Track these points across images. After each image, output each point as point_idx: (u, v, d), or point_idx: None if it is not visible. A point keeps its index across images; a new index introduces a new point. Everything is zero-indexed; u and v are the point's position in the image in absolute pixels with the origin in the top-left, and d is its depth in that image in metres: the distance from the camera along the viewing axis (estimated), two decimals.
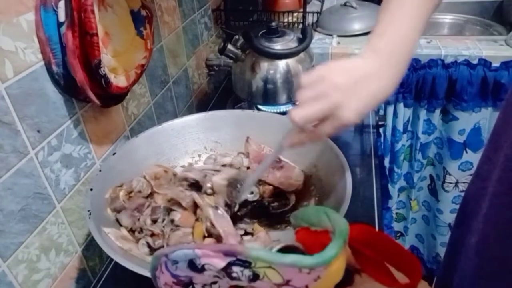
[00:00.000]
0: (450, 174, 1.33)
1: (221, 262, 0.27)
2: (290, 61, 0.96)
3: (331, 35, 1.32)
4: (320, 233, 0.30)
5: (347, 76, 0.46)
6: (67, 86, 0.61)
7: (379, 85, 0.47)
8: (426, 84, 1.18)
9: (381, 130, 1.28)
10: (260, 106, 1.02)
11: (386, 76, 0.47)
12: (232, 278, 0.28)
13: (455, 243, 0.56)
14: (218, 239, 0.56)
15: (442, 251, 1.46)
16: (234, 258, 0.27)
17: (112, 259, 0.63)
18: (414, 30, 0.49)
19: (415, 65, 1.16)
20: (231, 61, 1.01)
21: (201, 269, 0.28)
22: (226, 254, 0.27)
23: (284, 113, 1.00)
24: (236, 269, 0.27)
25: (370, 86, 0.47)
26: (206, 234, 0.57)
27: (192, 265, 0.28)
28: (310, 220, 0.30)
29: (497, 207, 0.43)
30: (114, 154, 0.66)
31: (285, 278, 0.27)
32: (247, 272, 0.27)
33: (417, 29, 0.49)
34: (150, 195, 0.66)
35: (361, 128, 1.01)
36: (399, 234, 1.57)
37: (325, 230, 0.29)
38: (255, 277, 0.27)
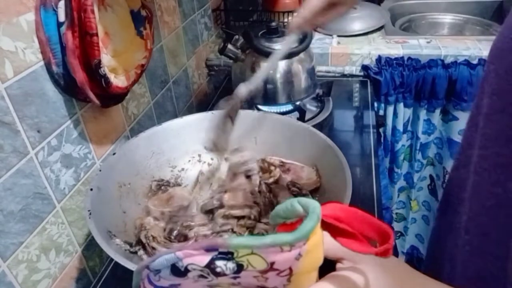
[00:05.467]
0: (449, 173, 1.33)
1: (204, 259, 0.27)
2: (290, 61, 0.96)
3: (331, 35, 1.32)
4: (296, 222, 0.30)
5: None
6: (67, 86, 0.61)
7: None
8: (426, 84, 1.18)
9: (381, 130, 1.28)
10: (260, 106, 1.02)
11: None
12: (217, 274, 0.28)
13: (443, 230, 0.57)
14: None
15: None
16: (216, 252, 0.27)
17: (112, 259, 0.63)
18: None
19: (415, 65, 1.16)
20: (231, 61, 1.01)
21: (184, 272, 0.28)
22: (208, 249, 0.27)
23: (284, 113, 1.00)
24: (219, 263, 0.27)
25: None
26: None
27: (175, 269, 0.28)
28: (285, 214, 0.31)
29: (480, 184, 0.44)
30: (114, 154, 0.66)
31: (268, 261, 0.27)
32: (230, 265, 0.27)
33: None
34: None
35: (361, 128, 1.01)
36: (399, 234, 1.57)
37: (300, 218, 0.30)
38: (239, 268, 0.27)
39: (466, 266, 0.48)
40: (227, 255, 0.27)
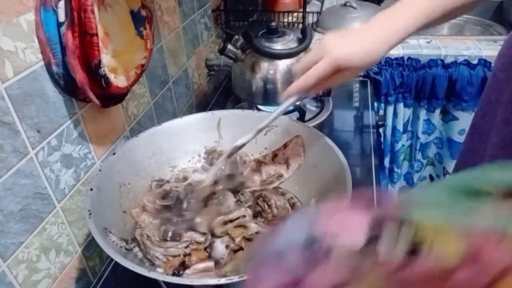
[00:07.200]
0: (450, 174, 1.33)
1: (357, 234, 0.18)
2: (290, 61, 0.96)
3: None
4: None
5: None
6: (67, 86, 0.61)
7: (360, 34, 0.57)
8: (426, 84, 1.18)
9: (381, 130, 1.28)
10: (260, 106, 1.02)
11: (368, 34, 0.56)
12: (372, 258, 0.18)
13: None
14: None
15: None
16: (379, 226, 0.18)
17: (112, 259, 0.63)
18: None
19: (415, 65, 1.16)
20: (231, 61, 1.01)
21: (323, 253, 0.18)
22: (369, 222, 0.18)
23: (284, 114, 1.00)
24: (384, 240, 0.17)
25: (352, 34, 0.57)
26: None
27: (309, 248, 0.19)
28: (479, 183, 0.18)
29: None
30: (114, 154, 0.66)
31: (471, 250, 0.16)
32: (402, 244, 0.17)
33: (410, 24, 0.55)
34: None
35: (361, 128, 1.01)
36: None
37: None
38: (414, 250, 0.17)
39: None
40: (401, 229, 0.17)
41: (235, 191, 0.68)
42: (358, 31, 0.57)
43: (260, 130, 0.64)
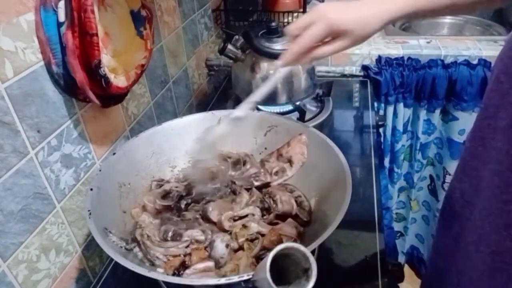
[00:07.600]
0: (450, 174, 1.33)
1: None
2: None
3: None
4: None
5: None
6: (67, 86, 0.61)
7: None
8: (426, 84, 1.18)
9: (381, 130, 1.27)
10: (260, 106, 1.02)
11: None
12: None
13: (450, 243, 0.56)
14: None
15: None
16: None
17: (112, 259, 0.63)
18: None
19: (415, 65, 1.16)
20: (231, 61, 1.01)
21: None
22: None
23: (284, 113, 1.00)
24: None
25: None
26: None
27: None
28: None
29: (492, 201, 0.43)
30: (114, 154, 0.66)
31: None
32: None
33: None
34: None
35: (361, 128, 1.01)
36: (399, 234, 1.57)
37: None
38: None
39: (477, 285, 0.47)
40: None
41: (247, 189, 0.69)
42: (354, 3, 0.56)
43: (254, 102, 0.65)
